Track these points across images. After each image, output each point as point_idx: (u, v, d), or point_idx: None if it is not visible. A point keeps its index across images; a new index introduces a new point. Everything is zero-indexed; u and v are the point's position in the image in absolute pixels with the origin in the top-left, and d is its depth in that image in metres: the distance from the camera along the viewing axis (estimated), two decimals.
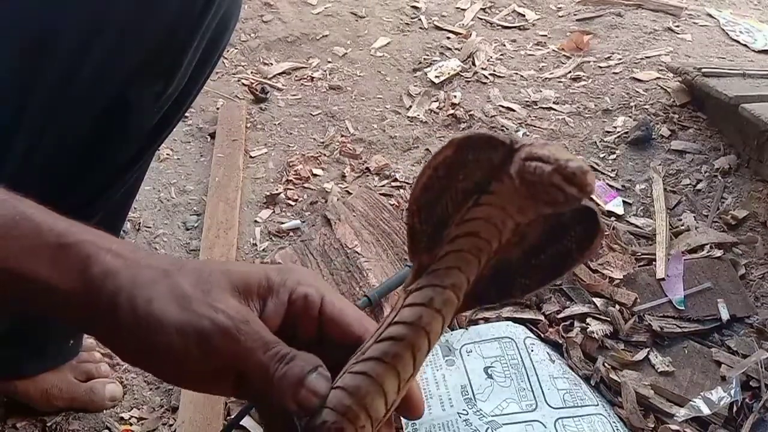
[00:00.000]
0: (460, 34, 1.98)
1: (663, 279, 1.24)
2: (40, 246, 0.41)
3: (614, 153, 1.56)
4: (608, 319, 1.17)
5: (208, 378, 0.44)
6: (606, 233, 0.44)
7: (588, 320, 1.17)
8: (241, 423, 1.05)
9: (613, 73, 1.80)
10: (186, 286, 0.43)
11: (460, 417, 1.01)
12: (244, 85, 1.81)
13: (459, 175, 0.43)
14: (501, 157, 0.41)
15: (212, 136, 1.64)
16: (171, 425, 1.09)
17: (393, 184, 1.49)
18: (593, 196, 0.41)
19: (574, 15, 2.07)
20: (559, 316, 1.19)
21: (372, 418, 0.42)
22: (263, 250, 1.37)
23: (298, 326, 0.47)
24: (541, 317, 1.19)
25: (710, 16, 2.05)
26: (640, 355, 1.13)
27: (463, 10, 2.09)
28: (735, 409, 1.05)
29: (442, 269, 0.44)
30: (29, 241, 0.41)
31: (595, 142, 1.59)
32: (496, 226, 0.43)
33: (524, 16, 2.08)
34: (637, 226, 1.38)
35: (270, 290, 0.46)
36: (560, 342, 1.15)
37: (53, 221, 0.42)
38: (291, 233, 1.41)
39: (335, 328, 0.47)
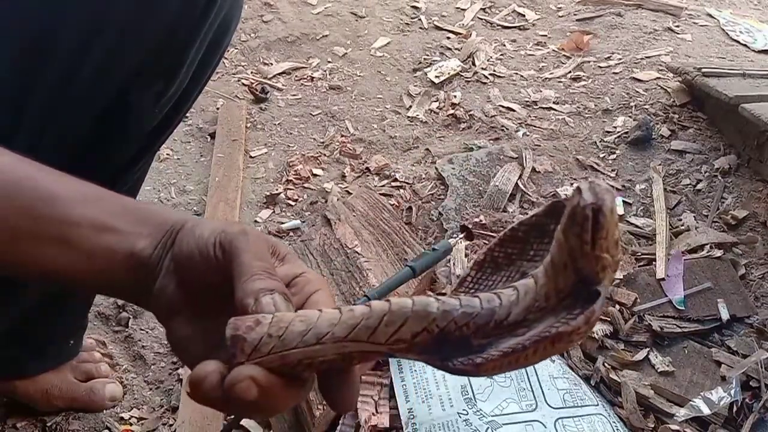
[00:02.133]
0: (460, 34, 1.98)
1: (663, 279, 1.24)
2: (125, 209, 0.52)
3: (614, 153, 1.55)
4: (608, 319, 1.17)
5: (210, 290, 0.49)
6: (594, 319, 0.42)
7: None
8: (241, 423, 1.05)
9: (613, 73, 1.80)
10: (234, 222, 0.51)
11: (460, 417, 1.01)
12: (244, 85, 1.81)
13: (531, 247, 0.47)
14: None
15: (212, 136, 1.64)
16: (171, 425, 1.09)
17: (393, 184, 1.49)
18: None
19: (574, 15, 2.07)
20: None
21: (282, 338, 0.43)
22: None
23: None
24: None
25: (710, 16, 2.05)
26: (640, 355, 1.13)
27: (463, 10, 2.09)
28: (735, 409, 1.05)
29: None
30: (116, 206, 0.52)
31: (595, 142, 1.59)
32: (518, 295, 0.44)
33: (524, 16, 2.08)
34: (637, 226, 1.38)
35: (288, 261, 0.52)
36: None
37: (124, 196, 0.54)
38: (291, 233, 1.41)
39: None
